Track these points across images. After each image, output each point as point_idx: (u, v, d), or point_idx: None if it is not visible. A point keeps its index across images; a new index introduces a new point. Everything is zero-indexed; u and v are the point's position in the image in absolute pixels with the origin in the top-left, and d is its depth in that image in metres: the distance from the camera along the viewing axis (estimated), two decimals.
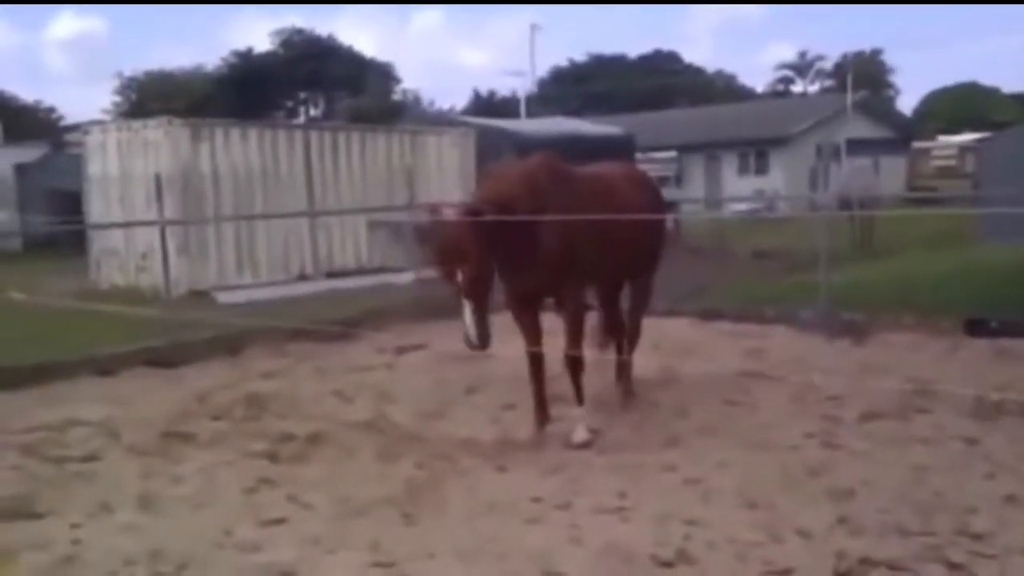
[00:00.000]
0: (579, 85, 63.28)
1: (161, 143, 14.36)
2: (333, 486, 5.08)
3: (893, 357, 7.78)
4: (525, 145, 17.99)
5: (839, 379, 6.86)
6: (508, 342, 5.94)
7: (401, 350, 8.63)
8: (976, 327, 8.36)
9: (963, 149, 42.86)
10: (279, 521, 4.62)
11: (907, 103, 68.32)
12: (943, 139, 51.43)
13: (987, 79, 71.63)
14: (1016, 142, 17.11)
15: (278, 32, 62.84)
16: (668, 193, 31.17)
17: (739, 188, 33.67)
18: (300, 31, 62.86)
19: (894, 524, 4.27)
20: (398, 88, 65.05)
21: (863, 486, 4.76)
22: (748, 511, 4.49)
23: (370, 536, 4.34)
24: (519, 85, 48.20)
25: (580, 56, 71.14)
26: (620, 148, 21.58)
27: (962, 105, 62.35)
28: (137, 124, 15.58)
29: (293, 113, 63.63)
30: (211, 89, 54.84)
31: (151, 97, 52.17)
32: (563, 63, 70.70)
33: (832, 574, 3.81)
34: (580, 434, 5.71)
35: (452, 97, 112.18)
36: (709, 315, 9.73)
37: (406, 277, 11.92)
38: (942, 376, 6.94)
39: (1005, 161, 16.06)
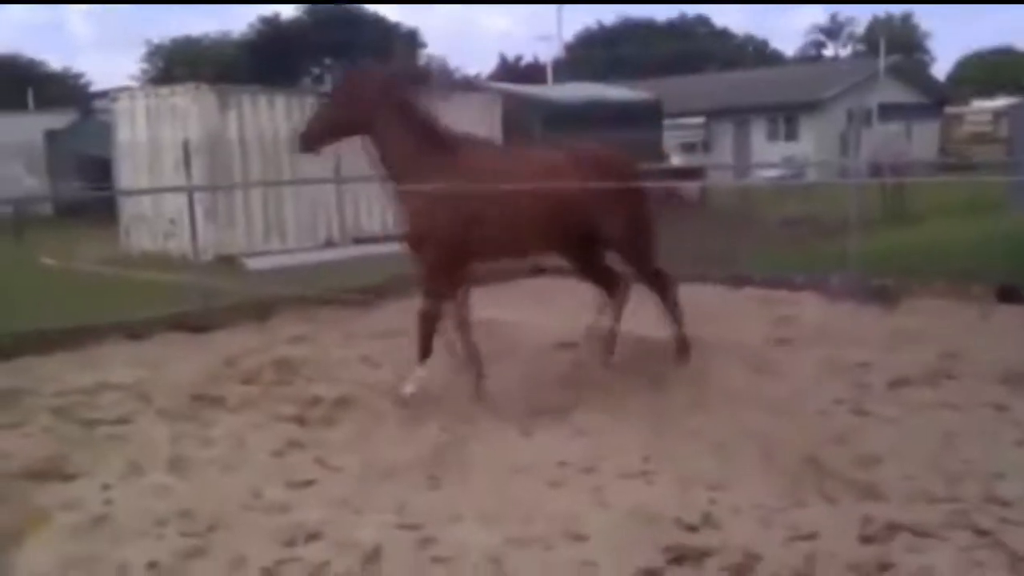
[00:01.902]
0: (607, 50, 62.70)
1: (189, 109, 14.43)
2: (360, 449, 5.12)
3: (923, 323, 7.69)
4: (551, 111, 17.93)
5: (869, 346, 6.81)
6: (534, 311, 5.94)
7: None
8: (1008, 294, 8.25)
9: (997, 114, 42.14)
10: (307, 483, 4.67)
11: (941, 69, 67.14)
12: (977, 104, 50.59)
13: (1023, 44, 70.12)
14: None
15: None
16: (695, 159, 31.00)
17: (769, 154, 33.29)
18: None
19: (921, 490, 4.25)
20: (424, 54, 64.81)
21: (891, 453, 4.73)
22: (773, 476, 4.48)
23: (396, 498, 4.38)
24: (546, 50, 47.86)
25: (608, 20, 70.47)
26: (647, 113, 21.41)
27: (997, 70, 61.22)
28: (165, 90, 15.66)
29: (320, 80, 63.56)
30: (238, 55, 54.92)
31: (178, 63, 52.37)
32: (591, 26, 70.04)
33: (857, 539, 3.80)
34: (408, 387, 5.95)
35: (478, 63, 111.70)
36: (738, 281, 9.67)
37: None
38: (973, 343, 6.87)
39: None
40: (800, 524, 3.95)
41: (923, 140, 34.24)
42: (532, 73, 49.69)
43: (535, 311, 8.55)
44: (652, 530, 3.96)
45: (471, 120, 17.49)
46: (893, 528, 3.85)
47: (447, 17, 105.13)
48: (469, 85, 30.51)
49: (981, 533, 3.80)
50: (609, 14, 73.90)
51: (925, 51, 65.21)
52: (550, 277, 9.93)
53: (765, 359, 6.70)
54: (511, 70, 60.25)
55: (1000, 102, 44.66)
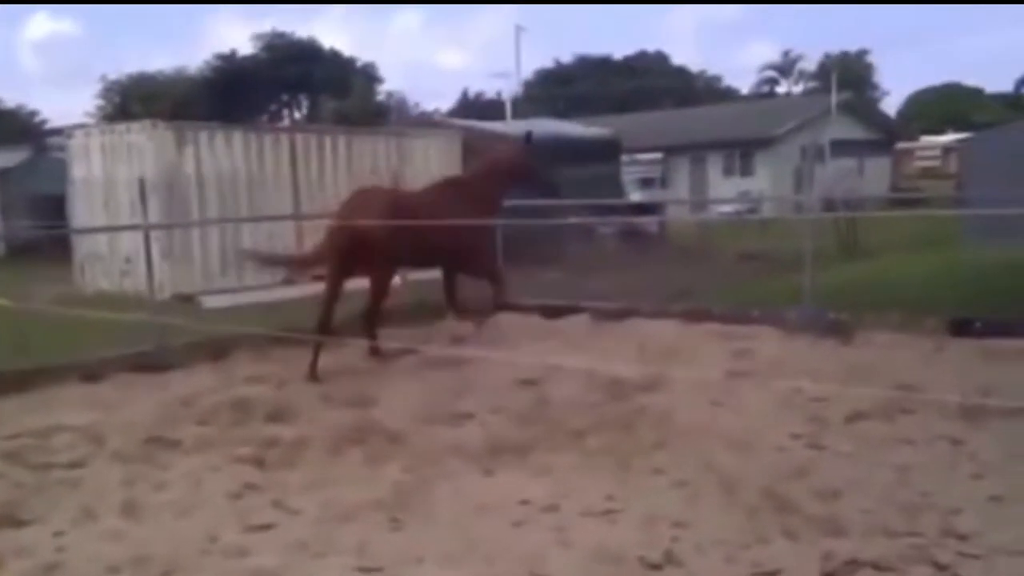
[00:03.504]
0: (565, 86, 63.40)
1: (145, 146, 14.32)
2: (319, 491, 5.06)
3: (878, 357, 7.80)
4: None
5: (825, 380, 6.89)
6: (498, 347, 5.95)
7: (389, 354, 8.61)
8: (961, 327, 8.40)
9: (946, 149, 43.19)
10: (265, 527, 4.60)
11: (891, 104, 68.76)
12: (927, 139, 51.84)
13: (970, 80, 72.16)
14: (998, 142, 17.24)
15: (259, 36, 62.70)
16: (654, 194, 31.33)
17: (724, 189, 33.80)
18: (281, 34, 62.73)
19: (880, 525, 4.28)
20: (382, 90, 65.04)
21: (849, 487, 4.77)
22: (735, 512, 4.50)
23: (357, 541, 4.33)
24: (504, 87, 48.24)
25: (566, 57, 71.29)
26: (606, 150, 21.59)
27: (945, 106, 62.82)
28: (121, 127, 15.55)
29: (277, 116, 63.46)
30: (194, 92, 54.65)
31: (134, 100, 51.97)
32: (548, 64, 70.82)
33: (819, 575, 3.82)
34: None
35: (437, 99, 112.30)
36: (696, 316, 9.74)
37: (394, 281, 11.88)
38: (927, 376, 6.98)
39: (988, 161, 16.18)
40: (763, 560, 3.96)
41: (875, 175, 34.98)
42: (491, 109, 50.06)
43: (499, 347, 8.56)
44: (615, 569, 3.96)
45: (432, 156, 17.61)
46: (854, 564, 3.88)
47: (403, 53, 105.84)
48: (430, 121, 30.62)
49: (940, 567, 3.84)
50: (567, 52, 74.63)
51: (876, 88, 66.74)
52: (512, 313, 9.95)
53: (725, 393, 6.75)
54: (471, 106, 60.66)
55: (948, 137, 45.84)
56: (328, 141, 16.23)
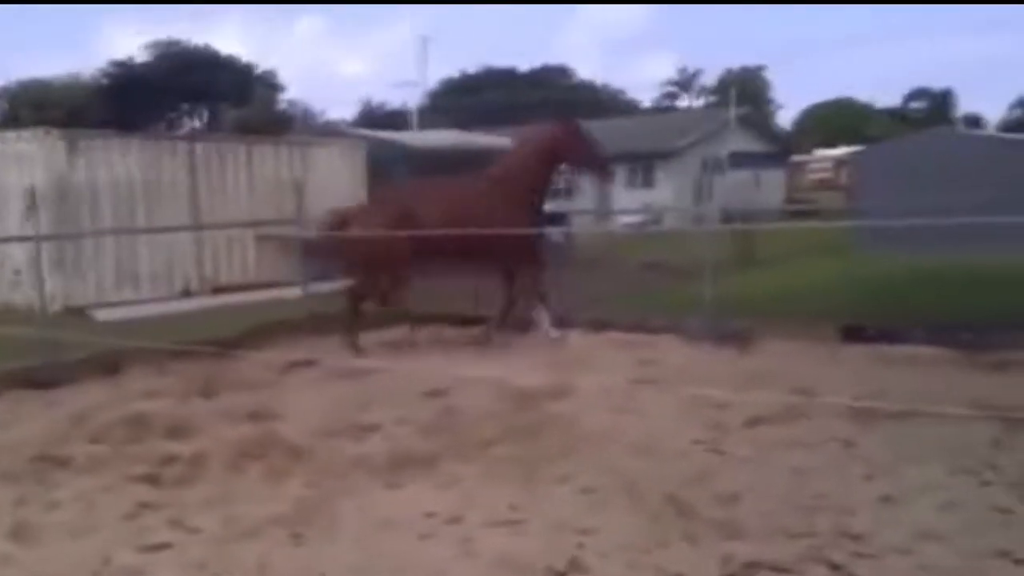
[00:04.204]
0: (470, 97, 63.50)
1: (35, 155, 13.76)
2: (219, 508, 4.93)
3: (775, 364, 8.03)
4: (416, 158, 17.99)
5: (725, 386, 7.05)
6: (401, 358, 5.91)
7: (290, 366, 8.46)
8: (853, 334, 8.71)
9: (839, 162, 44.78)
10: (162, 546, 4.46)
11: (787, 118, 71.13)
12: (820, 152, 53.65)
13: (861, 95, 75.11)
14: (888, 155, 17.98)
15: (153, 44, 61.06)
16: (559, 205, 31.55)
17: (628, 201, 34.29)
18: (177, 42, 61.21)
19: (778, 527, 4.40)
20: (283, 98, 64.04)
21: (748, 490, 4.89)
22: (638, 518, 4.56)
23: (258, 558, 4.23)
24: (409, 96, 48.09)
25: (471, 68, 71.48)
26: None
27: (838, 120, 65.17)
28: (11, 135, 14.88)
29: (176, 124, 61.85)
30: (89, 99, 52.81)
31: (24, 107, 49.93)
32: (453, 75, 70.88)
33: None
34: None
35: (340, 108, 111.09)
36: (601, 325, 9.86)
37: (295, 292, 11.71)
38: (823, 382, 7.21)
39: (877, 173, 16.87)
40: (665, 565, 4.02)
41: (770, 187, 35.99)
42: (396, 119, 49.82)
43: (405, 358, 8.51)
44: None
45: (336, 166, 17.40)
46: (752, 566, 3.97)
47: (304, 62, 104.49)
48: (333, 130, 30.27)
49: (834, 567, 3.96)
50: (471, 64, 74.78)
51: (771, 102, 68.83)
52: (421, 324, 9.89)
53: (629, 400, 6.84)
54: (374, 116, 60.24)
55: (841, 151, 47.53)
56: (228, 150, 15.89)
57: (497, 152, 22.03)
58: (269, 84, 63.15)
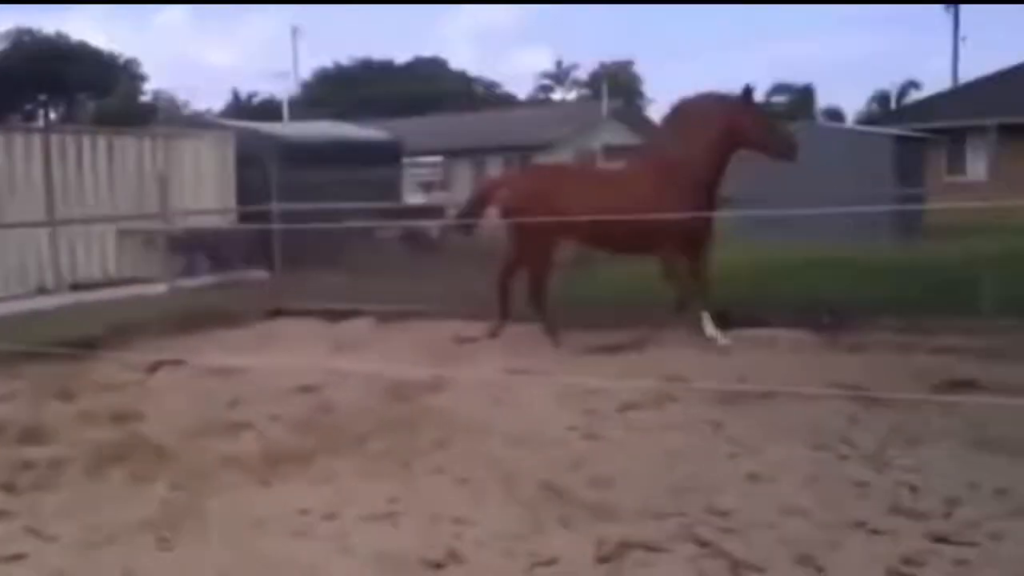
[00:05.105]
0: (345, 89, 62.62)
1: None
2: (80, 514, 4.69)
3: (648, 351, 8.20)
4: (288, 150, 17.59)
5: (599, 374, 7.16)
6: (265, 353, 5.76)
7: (155, 366, 8.14)
8: (721, 319, 8.96)
9: None
10: (17, 556, 4.21)
11: (657, 111, 72.87)
12: None
13: (733, 88, 77.45)
14: None
15: (5, 34, 57.86)
16: (434, 198, 31.44)
17: None
18: (29, 31, 58.15)
19: (650, 507, 4.49)
20: (147, 89, 61.69)
21: (621, 474, 4.97)
22: (515, 506, 4.57)
23: (122, 565, 4.05)
24: (281, 88, 47.10)
25: (345, 60, 70.45)
26: (386, 153, 21.48)
27: None
28: None
29: (32, 116, 58.75)
30: None
31: None
32: (327, 66, 69.73)
33: (594, 559, 3.95)
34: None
35: (207, 99, 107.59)
36: (476, 317, 9.85)
37: (159, 288, 11.30)
38: (692, 367, 7.40)
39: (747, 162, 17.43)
40: (540, 551, 4.05)
41: None
42: (267, 110, 48.67)
43: (276, 354, 8.31)
44: (398, 571, 3.92)
45: (203, 158, 16.86)
46: (625, 546, 4.03)
47: (169, 52, 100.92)
48: (200, 121, 29.31)
49: (704, 544, 4.07)
50: (345, 55, 73.50)
51: (643, 96, 70.38)
52: (291, 318, 9.68)
53: (505, 391, 6.86)
54: (244, 107, 58.71)
55: None
56: (87, 142, 15.18)
57: (371, 144, 21.84)
58: (132, 74, 60.77)
